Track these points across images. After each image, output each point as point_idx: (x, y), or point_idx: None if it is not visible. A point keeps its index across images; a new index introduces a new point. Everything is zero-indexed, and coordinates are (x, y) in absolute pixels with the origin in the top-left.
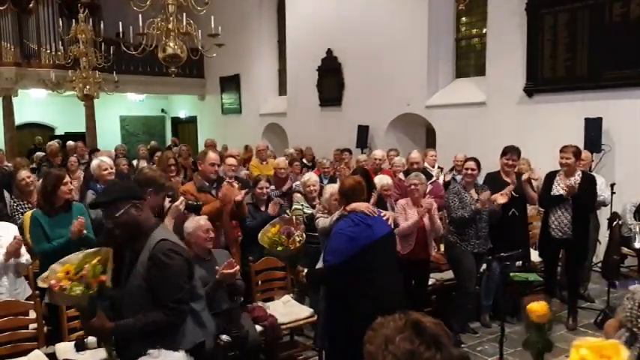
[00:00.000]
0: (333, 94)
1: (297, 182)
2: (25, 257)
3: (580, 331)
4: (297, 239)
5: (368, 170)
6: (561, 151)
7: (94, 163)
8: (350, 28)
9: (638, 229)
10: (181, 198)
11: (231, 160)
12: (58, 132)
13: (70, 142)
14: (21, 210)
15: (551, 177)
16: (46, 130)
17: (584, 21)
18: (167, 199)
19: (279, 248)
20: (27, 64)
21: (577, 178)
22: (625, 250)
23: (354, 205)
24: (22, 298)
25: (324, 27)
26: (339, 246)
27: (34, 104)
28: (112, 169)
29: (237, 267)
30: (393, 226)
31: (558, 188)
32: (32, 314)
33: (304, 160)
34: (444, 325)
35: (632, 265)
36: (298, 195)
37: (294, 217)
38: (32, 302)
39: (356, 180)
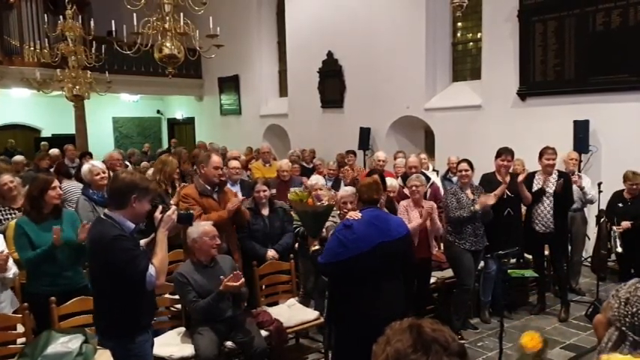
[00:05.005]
0: (335, 95)
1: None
2: (12, 271)
3: (572, 323)
4: (325, 204)
5: (382, 172)
6: (545, 153)
7: (85, 167)
8: (350, 32)
9: (617, 234)
10: (173, 207)
11: (234, 163)
12: (45, 134)
13: (55, 150)
14: (1, 217)
15: (530, 177)
16: (32, 132)
17: (571, 29)
18: (158, 210)
19: (306, 200)
20: (8, 62)
21: (555, 176)
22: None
23: (351, 213)
24: (8, 311)
25: (324, 29)
26: (330, 246)
27: (17, 104)
28: (104, 173)
29: (242, 280)
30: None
31: (538, 186)
32: (20, 328)
33: (304, 163)
34: (449, 334)
35: None
36: (294, 190)
37: (328, 193)
38: (20, 315)
39: (373, 179)
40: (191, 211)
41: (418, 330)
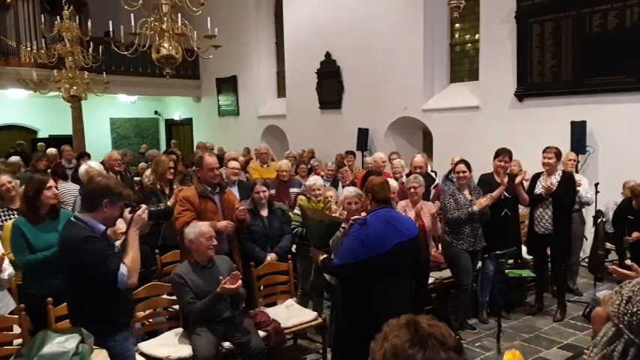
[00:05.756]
0: (333, 96)
1: (294, 189)
2: (7, 272)
3: (569, 323)
4: (340, 216)
5: (381, 172)
6: (544, 151)
7: (82, 168)
8: (348, 33)
9: (627, 245)
10: (143, 206)
11: (233, 164)
12: (42, 134)
13: (52, 149)
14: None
15: (535, 178)
16: (28, 133)
17: (568, 30)
18: (127, 210)
19: (317, 205)
20: (4, 62)
21: (557, 177)
22: (609, 245)
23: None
24: (4, 312)
25: (322, 30)
26: (349, 246)
27: (14, 105)
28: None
29: (240, 282)
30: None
31: (540, 188)
32: (16, 329)
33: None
34: (446, 329)
35: (614, 260)
36: (303, 197)
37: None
38: (16, 316)
39: (382, 178)
40: (161, 207)
41: (415, 325)
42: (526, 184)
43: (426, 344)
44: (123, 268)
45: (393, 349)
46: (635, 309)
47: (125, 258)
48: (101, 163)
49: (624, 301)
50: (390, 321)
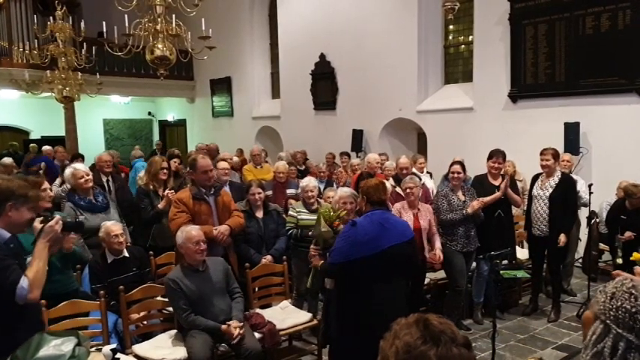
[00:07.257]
0: (328, 98)
1: (291, 190)
2: None
3: (564, 324)
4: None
5: (373, 174)
6: (541, 153)
7: (67, 172)
8: (342, 34)
9: (620, 244)
10: (57, 217)
11: (223, 164)
12: (34, 136)
13: (47, 147)
14: None
15: (534, 179)
16: (20, 134)
17: (561, 32)
18: (37, 220)
19: (333, 214)
20: None
21: (556, 179)
22: (602, 246)
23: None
24: None
25: (316, 32)
26: (339, 246)
27: (6, 106)
28: (88, 175)
29: (237, 332)
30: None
31: (537, 189)
32: None
33: (297, 165)
34: (455, 327)
35: (608, 260)
36: (294, 202)
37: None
38: None
39: (378, 180)
40: (79, 220)
41: (425, 323)
42: (520, 184)
43: (438, 341)
44: (24, 281)
45: (406, 347)
46: (619, 303)
47: (28, 270)
48: (93, 165)
49: (609, 298)
50: (398, 320)
